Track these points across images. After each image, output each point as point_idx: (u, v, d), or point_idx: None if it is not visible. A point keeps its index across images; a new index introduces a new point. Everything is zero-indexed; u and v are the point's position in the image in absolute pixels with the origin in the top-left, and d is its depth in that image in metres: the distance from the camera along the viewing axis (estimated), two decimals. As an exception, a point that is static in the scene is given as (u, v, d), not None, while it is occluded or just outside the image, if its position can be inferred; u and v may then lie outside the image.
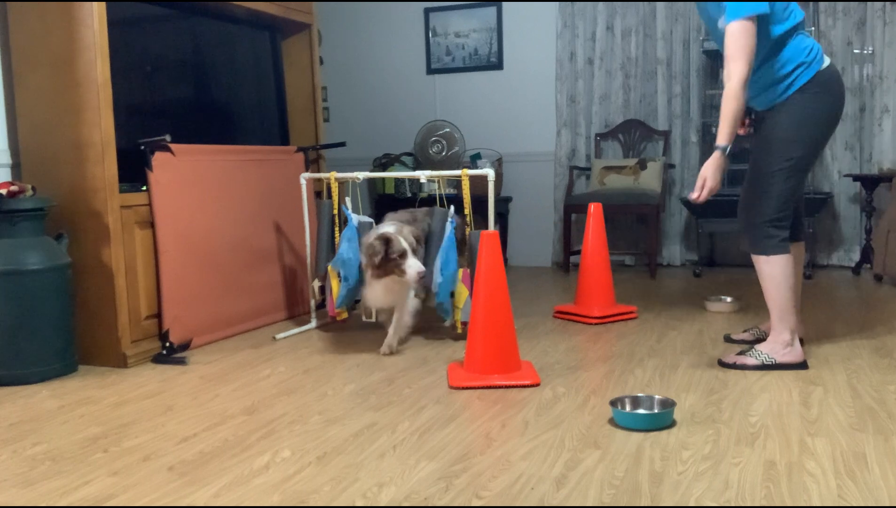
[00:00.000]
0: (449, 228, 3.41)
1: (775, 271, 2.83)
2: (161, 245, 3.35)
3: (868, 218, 5.02)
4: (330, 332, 3.75)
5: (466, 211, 3.41)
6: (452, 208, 3.53)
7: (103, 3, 3.14)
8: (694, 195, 2.77)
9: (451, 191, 5.79)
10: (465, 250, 3.56)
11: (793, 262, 2.86)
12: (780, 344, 2.87)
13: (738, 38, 2.64)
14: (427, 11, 6.20)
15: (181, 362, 3.23)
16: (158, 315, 3.38)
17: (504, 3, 6.00)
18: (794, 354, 2.87)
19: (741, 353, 2.94)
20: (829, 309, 3.96)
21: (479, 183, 5.13)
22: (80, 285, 3.23)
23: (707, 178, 2.74)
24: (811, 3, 5.21)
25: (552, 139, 5.95)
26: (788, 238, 2.85)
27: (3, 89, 3.32)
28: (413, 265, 3.12)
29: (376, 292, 3.27)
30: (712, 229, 5.24)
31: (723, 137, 2.70)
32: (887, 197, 4.97)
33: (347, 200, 3.66)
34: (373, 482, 1.95)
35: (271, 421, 2.45)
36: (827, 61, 2.82)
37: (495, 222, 3.51)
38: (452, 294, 3.39)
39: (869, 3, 5.15)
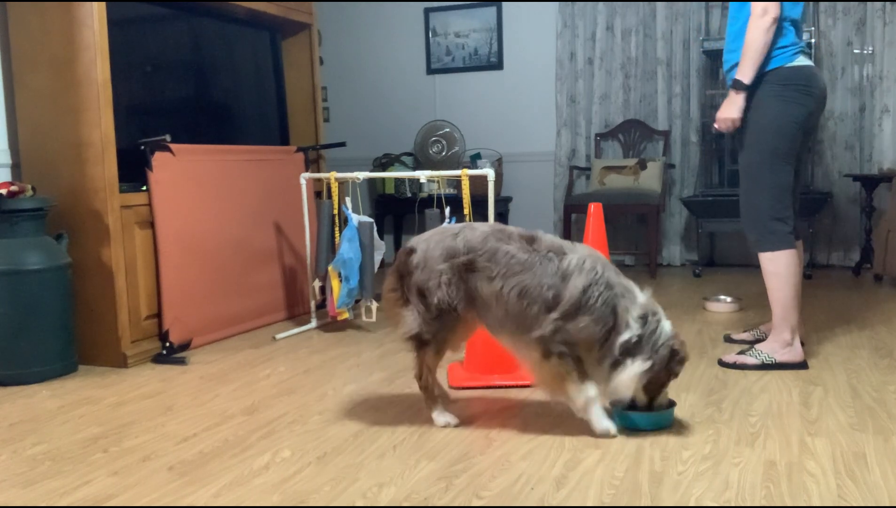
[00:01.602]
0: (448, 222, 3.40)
1: (780, 268, 2.83)
2: (161, 245, 3.35)
3: (868, 218, 5.01)
4: (330, 332, 3.75)
5: (466, 211, 3.42)
6: (449, 208, 3.53)
7: (103, 3, 3.14)
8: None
9: (451, 191, 5.79)
10: None
11: (798, 259, 2.86)
12: (779, 343, 2.87)
13: None
14: (427, 11, 6.20)
15: (181, 362, 3.23)
16: (158, 315, 3.38)
17: (504, 3, 6.00)
18: (793, 353, 2.87)
19: (741, 353, 2.94)
20: (829, 309, 3.96)
21: (479, 183, 5.11)
22: (80, 285, 3.22)
23: (720, 112, 2.87)
24: (811, 3, 5.21)
25: (552, 139, 5.95)
26: (793, 233, 2.85)
27: (3, 90, 3.32)
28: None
29: None
30: (712, 229, 5.24)
31: (742, 72, 2.78)
32: (887, 197, 4.97)
33: (347, 200, 3.66)
34: (373, 482, 1.95)
35: (271, 421, 2.45)
36: (801, 61, 2.83)
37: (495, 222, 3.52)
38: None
39: (869, 3, 5.14)
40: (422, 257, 2.28)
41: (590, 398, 2.19)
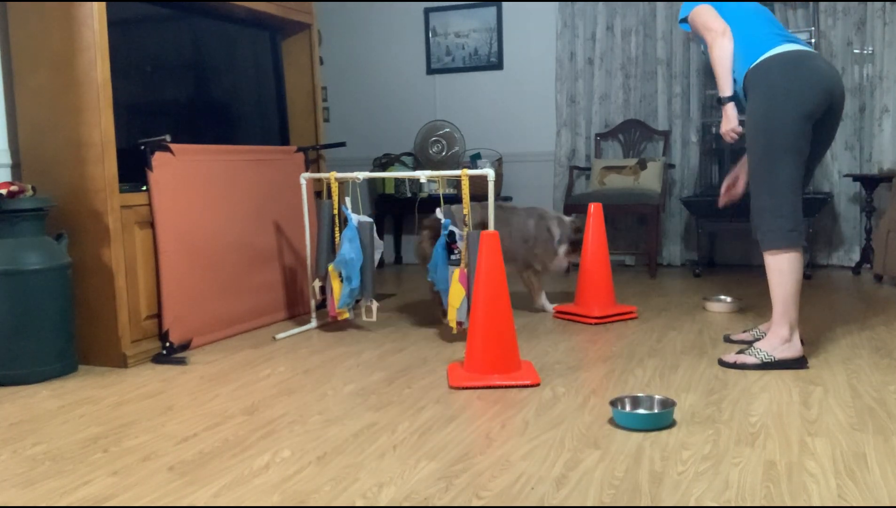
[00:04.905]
0: (442, 230, 3.42)
1: (782, 265, 2.83)
2: (161, 245, 3.35)
3: (868, 218, 5.02)
4: (330, 332, 3.75)
5: (466, 211, 3.41)
6: (447, 208, 3.53)
7: (103, 3, 3.14)
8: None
9: (451, 191, 5.79)
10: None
11: (801, 257, 2.85)
12: (778, 339, 2.87)
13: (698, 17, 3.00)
14: (427, 11, 6.20)
15: (181, 362, 3.23)
16: (158, 315, 3.38)
17: (504, 3, 6.00)
18: (792, 350, 2.86)
19: (741, 352, 2.94)
20: (829, 309, 3.96)
21: (479, 183, 5.13)
22: (80, 285, 3.23)
23: (721, 129, 3.03)
24: (811, 3, 5.21)
25: (552, 139, 5.95)
26: (797, 231, 2.82)
27: (3, 89, 3.32)
28: None
29: None
30: (712, 229, 5.23)
31: (719, 87, 2.97)
32: (887, 197, 4.97)
33: (347, 200, 3.66)
34: (373, 482, 1.95)
35: (271, 421, 2.45)
36: (784, 48, 2.82)
37: (495, 223, 3.52)
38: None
39: (869, 3, 5.15)
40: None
41: None
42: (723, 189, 3.30)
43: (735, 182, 3.27)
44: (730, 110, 2.97)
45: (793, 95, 2.77)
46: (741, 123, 3.00)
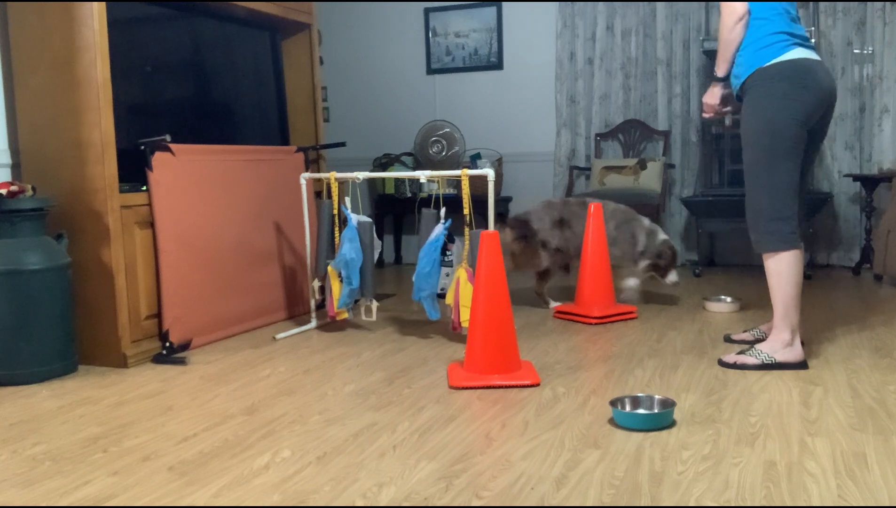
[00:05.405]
0: (440, 229, 3.41)
1: (781, 268, 2.83)
2: (161, 245, 3.35)
3: (868, 218, 5.02)
4: (330, 332, 3.75)
5: (466, 211, 3.41)
6: (444, 209, 3.53)
7: (103, 3, 3.14)
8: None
9: (451, 191, 5.79)
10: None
11: (801, 259, 2.85)
12: (779, 343, 2.87)
13: None
14: (427, 11, 6.20)
15: (181, 362, 3.23)
16: (158, 315, 3.38)
17: (504, 3, 6.00)
18: (793, 353, 2.86)
19: (741, 352, 2.94)
20: (829, 309, 3.96)
21: (479, 183, 5.13)
22: (80, 285, 3.22)
23: (704, 99, 3.10)
24: (811, 3, 5.21)
25: (552, 139, 5.95)
26: (796, 233, 2.83)
27: (3, 90, 3.32)
28: None
29: None
30: (712, 229, 5.24)
31: (716, 67, 3.00)
32: (887, 197, 4.97)
33: (347, 200, 3.66)
34: (373, 482, 1.95)
35: (271, 421, 2.45)
36: (795, 54, 2.80)
37: (495, 222, 3.52)
38: (442, 295, 3.40)
39: (869, 3, 5.15)
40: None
41: None
42: (713, 113, 3.14)
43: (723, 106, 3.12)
44: (717, 89, 3.03)
45: (794, 102, 2.79)
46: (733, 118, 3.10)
